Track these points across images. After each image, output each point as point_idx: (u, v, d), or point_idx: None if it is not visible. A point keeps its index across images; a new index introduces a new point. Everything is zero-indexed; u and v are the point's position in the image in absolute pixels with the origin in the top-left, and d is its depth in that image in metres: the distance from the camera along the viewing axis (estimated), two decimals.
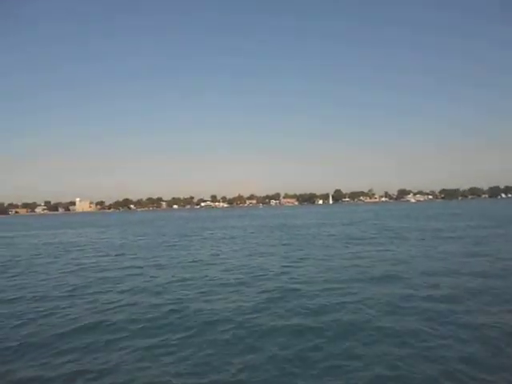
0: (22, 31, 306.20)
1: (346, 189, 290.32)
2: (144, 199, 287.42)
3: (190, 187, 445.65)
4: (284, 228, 46.07)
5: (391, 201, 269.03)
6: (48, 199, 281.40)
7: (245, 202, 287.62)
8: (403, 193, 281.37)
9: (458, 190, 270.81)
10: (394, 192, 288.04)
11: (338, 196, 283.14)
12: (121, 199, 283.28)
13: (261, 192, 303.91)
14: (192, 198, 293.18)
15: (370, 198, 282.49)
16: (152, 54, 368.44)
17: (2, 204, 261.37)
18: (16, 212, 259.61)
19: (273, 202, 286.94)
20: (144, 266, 19.69)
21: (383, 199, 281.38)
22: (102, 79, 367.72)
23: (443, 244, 24.50)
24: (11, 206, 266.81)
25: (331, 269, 17.03)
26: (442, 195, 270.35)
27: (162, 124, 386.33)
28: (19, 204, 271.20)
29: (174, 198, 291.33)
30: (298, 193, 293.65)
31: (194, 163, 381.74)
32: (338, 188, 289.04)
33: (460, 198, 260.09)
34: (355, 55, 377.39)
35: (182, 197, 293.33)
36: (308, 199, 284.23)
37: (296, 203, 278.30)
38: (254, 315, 10.58)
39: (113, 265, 20.75)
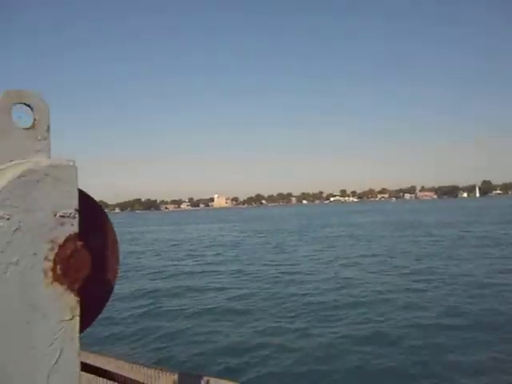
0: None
1: (496, 180, 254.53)
2: (275, 195, 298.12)
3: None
4: (421, 226, 41.77)
5: None
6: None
7: (376, 196, 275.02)
8: None
9: None
10: None
11: (486, 188, 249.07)
12: (253, 195, 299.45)
13: (394, 185, 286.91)
14: (321, 192, 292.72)
15: None
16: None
17: (155, 201, 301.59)
18: (166, 208, 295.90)
19: (407, 195, 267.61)
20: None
21: None
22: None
23: None
24: (162, 202, 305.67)
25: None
26: None
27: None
28: (168, 201, 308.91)
29: (303, 193, 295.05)
30: (436, 185, 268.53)
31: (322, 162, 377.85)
32: (486, 179, 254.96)
33: None
34: None
35: (311, 192, 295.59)
36: (449, 192, 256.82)
37: (435, 197, 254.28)
38: None
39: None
